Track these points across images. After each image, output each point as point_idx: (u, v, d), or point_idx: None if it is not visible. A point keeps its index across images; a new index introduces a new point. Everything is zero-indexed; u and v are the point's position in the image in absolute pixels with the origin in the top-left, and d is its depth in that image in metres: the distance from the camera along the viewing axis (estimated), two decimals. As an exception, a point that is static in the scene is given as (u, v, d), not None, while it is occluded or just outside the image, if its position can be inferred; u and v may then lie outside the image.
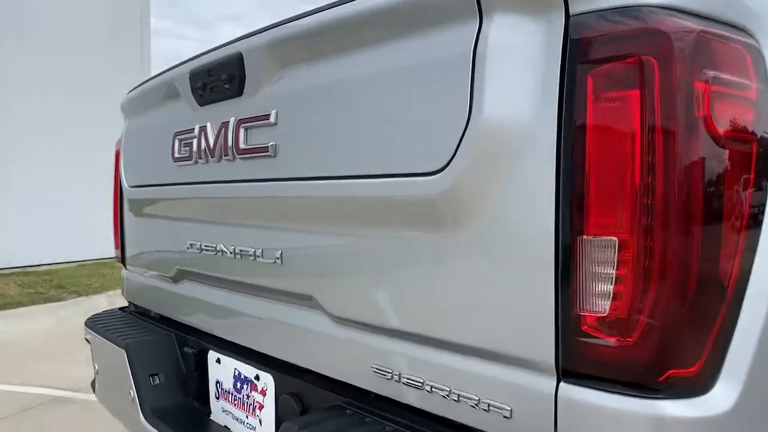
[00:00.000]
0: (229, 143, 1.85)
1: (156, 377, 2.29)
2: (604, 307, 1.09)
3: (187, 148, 2.09)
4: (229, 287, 2.04)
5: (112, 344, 2.38)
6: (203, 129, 1.99)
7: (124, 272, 2.92)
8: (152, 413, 2.20)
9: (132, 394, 2.26)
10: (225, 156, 1.88)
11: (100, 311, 2.92)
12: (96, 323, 2.66)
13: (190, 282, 2.29)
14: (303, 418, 1.53)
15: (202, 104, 2.03)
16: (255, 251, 1.84)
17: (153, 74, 2.51)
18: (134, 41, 13.57)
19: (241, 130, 1.81)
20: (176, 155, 2.16)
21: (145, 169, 2.48)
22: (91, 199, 11.37)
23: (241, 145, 1.81)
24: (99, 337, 2.51)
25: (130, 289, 2.85)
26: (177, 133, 2.16)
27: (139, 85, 2.58)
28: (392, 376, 1.44)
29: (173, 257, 2.34)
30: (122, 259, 2.90)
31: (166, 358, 2.34)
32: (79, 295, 9.46)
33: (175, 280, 2.37)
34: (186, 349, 2.27)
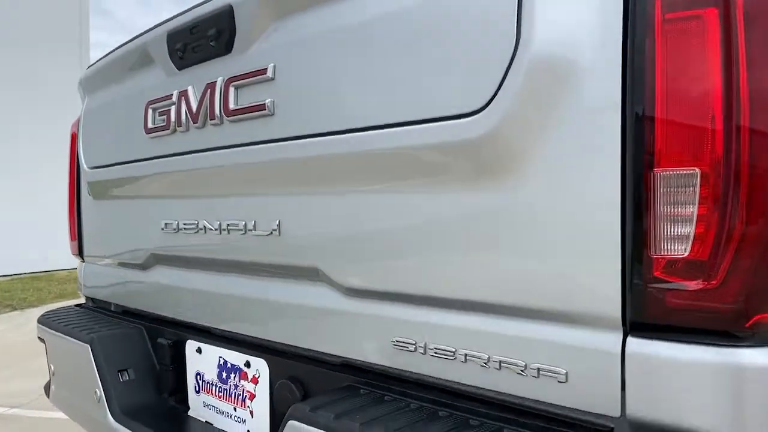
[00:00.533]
0: (216, 106, 1.68)
1: (125, 373, 2.08)
2: (682, 248, 0.97)
3: (163, 117, 1.90)
4: (212, 268, 1.86)
5: (73, 340, 2.15)
6: (183, 94, 1.81)
7: (81, 266, 2.68)
8: (122, 412, 1.99)
9: (98, 393, 2.03)
10: (211, 120, 1.71)
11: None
12: (52, 320, 2.42)
13: (164, 267, 2.09)
14: (314, 399, 1.37)
15: (181, 68, 1.86)
16: (246, 224, 1.67)
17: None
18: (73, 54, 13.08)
19: (231, 90, 1.65)
20: (150, 126, 1.97)
21: (109, 148, 2.27)
22: (21, 211, 10.87)
23: (231, 106, 1.64)
24: (57, 333, 2.27)
25: (88, 283, 2.61)
26: (150, 103, 1.97)
27: (102, 58, 2.37)
28: (417, 348, 1.30)
29: (143, 242, 2.14)
30: (79, 252, 2.66)
31: (136, 352, 2.13)
32: (14, 309, 8.93)
33: (145, 267, 2.16)
34: (160, 341, 2.06)
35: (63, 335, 2.22)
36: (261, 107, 1.55)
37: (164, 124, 1.90)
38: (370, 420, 1.23)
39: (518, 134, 1.10)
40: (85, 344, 2.09)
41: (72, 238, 2.70)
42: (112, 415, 1.99)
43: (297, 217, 1.54)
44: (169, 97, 1.87)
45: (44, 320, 2.44)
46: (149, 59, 2.01)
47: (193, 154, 1.81)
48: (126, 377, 2.07)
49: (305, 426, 1.27)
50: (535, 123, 1.08)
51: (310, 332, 1.54)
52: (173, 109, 1.86)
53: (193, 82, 1.80)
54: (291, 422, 1.32)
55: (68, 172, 2.72)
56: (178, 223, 1.93)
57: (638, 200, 0.99)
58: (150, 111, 1.97)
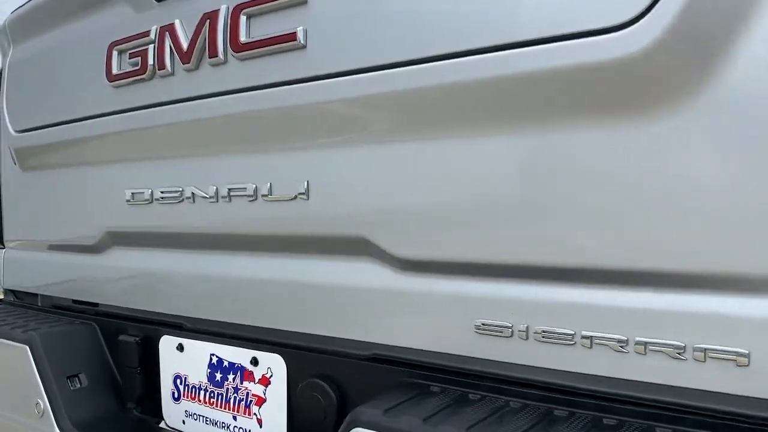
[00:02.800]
0: (219, 41, 1.35)
1: (76, 379, 1.68)
2: None
3: (136, 59, 1.53)
4: (201, 247, 1.51)
5: (4, 340, 1.73)
6: (167, 30, 1.46)
7: (1, 253, 2.21)
8: (74, 426, 1.60)
9: (41, 404, 1.63)
10: (211, 59, 1.37)
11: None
12: (-33, 317, 1.96)
13: (126, 249, 1.71)
14: (378, 401, 1.07)
15: (161, -1, 1.50)
16: (258, 188, 1.35)
17: None
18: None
19: (242, 20, 1.32)
20: (114, 73, 1.59)
21: (48, 105, 1.85)
22: None
23: (242, 39, 1.31)
24: (-20, 332, 1.82)
25: (12, 274, 2.15)
26: (115, 44, 1.60)
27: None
28: (514, 333, 1.04)
29: (96, 219, 1.75)
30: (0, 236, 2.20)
31: (89, 353, 1.74)
32: None
33: (99, 249, 1.77)
34: (123, 338, 1.67)
35: (-11, 335, 1.78)
36: (288, 38, 1.24)
37: (137, 68, 1.53)
38: (473, 424, 0.96)
39: (685, 54, 0.86)
40: (22, 345, 1.67)
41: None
42: (61, 431, 1.60)
43: (334, 176, 1.24)
44: (145, 34, 1.51)
45: (-43, 318, 1.98)
46: (112, -8, 1.63)
47: (180, 104, 1.46)
48: (77, 384, 1.67)
49: (382, 436, 0.98)
50: (710, 35, 0.85)
51: (348, 319, 1.24)
52: (151, 49, 1.50)
53: (180, 14, 1.45)
54: (357, 430, 1.02)
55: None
56: (151, 193, 1.57)
57: None
58: (115, 54, 1.60)
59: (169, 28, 1.45)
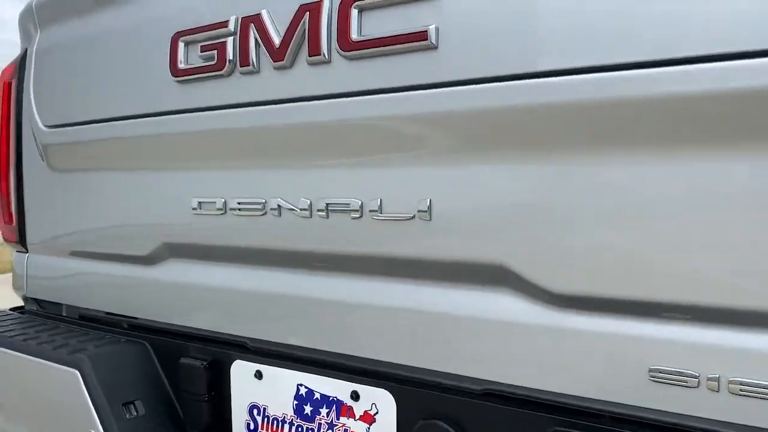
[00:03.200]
0: (323, 37, 1.19)
1: (132, 407, 1.52)
2: None
3: (211, 53, 1.36)
4: (287, 264, 1.35)
5: (50, 363, 1.55)
6: (252, 21, 1.29)
7: (22, 257, 2.02)
8: (134, 462, 1.44)
9: (95, 435, 1.47)
10: (311, 57, 1.21)
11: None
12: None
13: (188, 262, 1.54)
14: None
15: (241, -15, 1.33)
16: (364, 204, 1.20)
17: None
18: None
19: (353, 14, 1.16)
20: (182, 67, 1.42)
21: (90, 99, 1.67)
22: None
23: (353, 37, 1.15)
24: (16, 353, 1.64)
25: (37, 281, 1.96)
26: (182, 34, 1.42)
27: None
28: (702, 383, 0.91)
29: (151, 226, 1.58)
30: (19, 238, 2.00)
31: (143, 377, 1.57)
32: None
33: (152, 260, 1.60)
34: (186, 361, 1.51)
35: (28, 356, 1.60)
36: (416, 37, 1.08)
37: (213, 63, 1.36)
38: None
39: None
40: (72, 369, 1.50)
41: (6, 220, 2.03)
42: (119, 467, 1.44)
43: (467, 194, 1.09)
44: (222, 25, 1.34)
45: (-17, 333, 1.79)
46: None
47: (268, 106, 1.30)
48: (133, 412, 1.51)
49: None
50: None
51: (479, 356, 1.11)
52: (231, 42, 1.32)
53: (267, 4, 1.28)
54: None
55: (0, 136, 2.04)
56: (224, 202, 1.40)
57: None
58: (182, 46, 1.42)
59: (255, 20, 1.29)
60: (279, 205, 1.32)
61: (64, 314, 1.95)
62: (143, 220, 1.59)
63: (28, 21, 1.90)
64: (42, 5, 1.83)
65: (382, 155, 1.18)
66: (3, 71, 2.08)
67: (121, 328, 1.70)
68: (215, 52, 1.35)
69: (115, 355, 1.55)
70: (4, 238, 2.10)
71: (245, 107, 1.33)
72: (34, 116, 1.84)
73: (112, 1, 1.60)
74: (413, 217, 1.14)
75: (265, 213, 1.34)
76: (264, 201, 1.34)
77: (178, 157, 1.48)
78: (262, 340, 1.39)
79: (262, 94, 1.30)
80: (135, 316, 1.65)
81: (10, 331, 1.77)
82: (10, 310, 2.08)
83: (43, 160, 1.85)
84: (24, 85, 1.92)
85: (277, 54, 1.25)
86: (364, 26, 1.15)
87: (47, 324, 1.83)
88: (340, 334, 1.27)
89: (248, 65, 1.30)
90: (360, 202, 1.20)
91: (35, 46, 1.87)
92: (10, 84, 2.01)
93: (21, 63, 1.96)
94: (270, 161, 1.33)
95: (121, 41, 1.57)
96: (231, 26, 1.32)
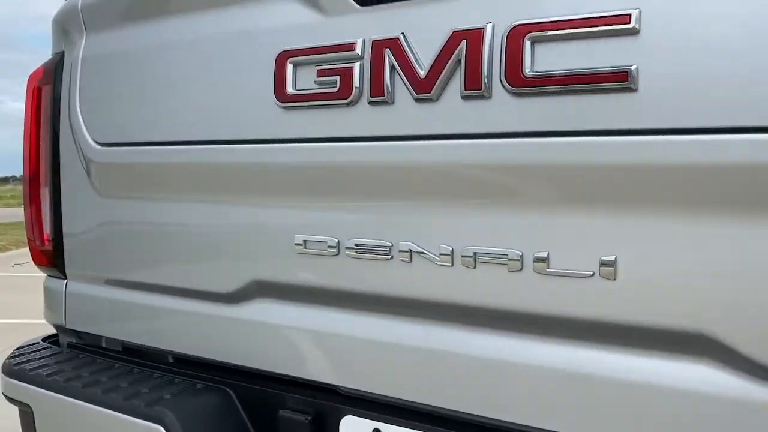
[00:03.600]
0: (484, 68, 1.06)
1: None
2: None
3: (331, 78, 1.21)
4: (416, 314, 1.22)
5: (125, 417, 1.39)
6: (388, 45, 1.15)
7: (55, 284, 1.83)
8: None
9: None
10: (468, 91, 1.08)
11: (21, 346, 1.80)
12: (45, 372, 1.59)
13: (284, 303, 1.39)
14: None
15: (368, 3, 1.19)
16: (525, 256, 1.08)
17: None
18: None
19: (525, 45, 1.03)
20: (290, 92, 1.27)
21: (164, 117, 1.49)
22: None
23: (526, 72, 1.03)
24: (79, 402, 1.46)
25: (79, 312, 1.78)
26: (290, 54, 1.26)
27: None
28: None
29: (238, 263, 1.42)
30: (55, 263, 1.81)
31: (231, 430, 1.42)
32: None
33: (236, 299, 1.44)
34: (286, 414, 1.37)
35: (95, 407, 1.43)
36: (612, 77, 0.97)
37: (334, 90, 1.21)
38: None
39: None
40: (155, 426, 1.35)
41: (41, 239, 1.84)
42: None
43: (664, 252, 0.98)
44: (347, 48, 1.19)
45: (28, 374, 1.60)
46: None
47: (405, 141, 1.16)
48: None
49: None
50: None
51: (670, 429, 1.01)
52: (358, 68, 1.18)
53: (406, 26, 1.14)
54: None
55: (28, 145, 1.84)
56: (338, 243, 1.26)
57: None
58: (290, 68, 1.26)
59: (391, 44, 1.15)
60: (410, 250, 1.18)
61: (103, 345, 1.78)
62: (229, 255, 1.43)
63: (70, 22, 1.71)
64: (91, 6, 1.64)
65: (553, 203, 1.06)
66: (31, 76, 1.87)
67: (192, 369, 1.54)
68: (337, 77, 1.20)
69: (199, 407, 1.40)
70: (34, 261, 1.90)
71: (373, 141, 1.19)
72: (82, 131, 1.65)
73: (196, 7, 1.43)
74: (593, 275, 1.03)
75: (392, 257, 1.21)
76: (390, 244, 1.21)
77: (280, 190, 1.33)
78: (372, 393, 1.26)
79: (397, 128, 1.16)
80: (212, 357, 1.50)
81: (60, 372, 1.59)
82: (43, 340, 1.89)
83: (90, 180, 1.66)
84: (63, 93, 1.73)
85: (421, 84, 1.12)
86: (537, 60, 1.03)
87: (99, 363, 1.66)
88: (481, 394, 1.15)
89: (381, 95, 1.16)
90: (520, 254, 1.08)
91: (81, 50, 1.67)
92: (40, 90, 1.82)
93: (56, 67, 1.77)
94: (401, 201, 1.20)
95: (209, 54, 1.40)
96: (359, 49, 1.18)
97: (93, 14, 1.64)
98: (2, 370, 1.68)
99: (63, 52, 1.76)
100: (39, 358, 1.70)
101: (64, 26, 1.73)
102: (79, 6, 1.66)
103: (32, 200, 1.85)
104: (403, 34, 1.14)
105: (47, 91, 1.79)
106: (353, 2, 1.20)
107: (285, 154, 1.29)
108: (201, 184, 1.44)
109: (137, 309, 1.64)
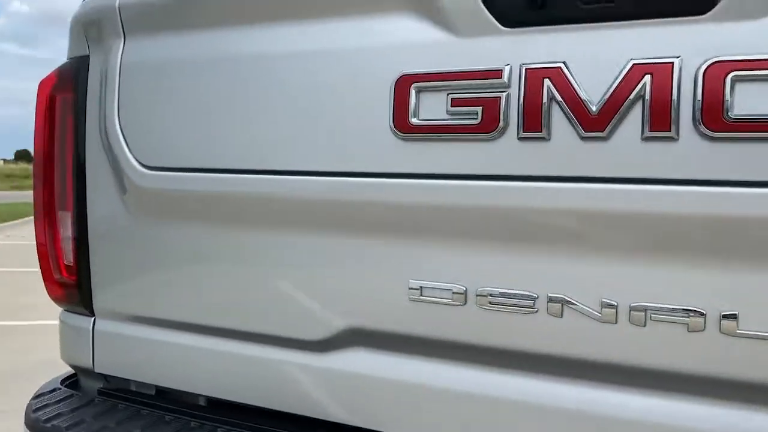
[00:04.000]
0: (673, 107, 0.94)
1: None
2: None
3: (471, 109, 1.07)
4: (565, 373, 1.10)
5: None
6: (547, 75, 1.02)
7: (79, 322, 1.61)
8: None
9: None
10: (656, 131, 0.96)
11: (43, 396, 1.57)
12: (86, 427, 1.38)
13: (386, 354, 1.24)
14: None
15: (527, 23, 1.05)
16: (708, 316, 0.97)
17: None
18: None
19: (726, 84, 0.92)
20: (414, 122, 1.11)
21: (240, 141, 1.30)
22: None
23: (730, 113, 0.92)
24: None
25: (112, 355, 1.56)
26: (415, 79, 1.11)
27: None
28: None
29: (332, 307, 1.26)
30: (77, 296, 1.58)
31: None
32: None
33: (327, 347, 1.28)
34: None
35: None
36: (838, 125, 0.87)
37: (474, 122, 1.06)
38: None
39: None
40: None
41: (60, 273, 1.61)
42: None
43: None
44: (494, 74, 1.05)
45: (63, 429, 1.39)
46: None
47: (563, 183, 1.03)
48: None
49: None
50: None
51: None
52: (505, 98, 1.04)
53: (567, 53, 1.01)
54: None
55: (41, 161, 1.61)
56: (465, 291, 1.12)
57: None
58: (414, 94, 1.11)
59: (552, 74, 1.01)
60: (563, 303, 1.06)
61: (133, 388, 1.58)
62: (319, 298, 1.27)
63: (102, 23, 1.48)
64: (135, 6, 1.42)
65: (755, 258, 0.95)
66: (43, 82, 1.63)
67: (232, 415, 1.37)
68: (479, 108, 1.06)
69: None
70: (50, 294, 1.67)
71: (522, 181, 1.05)
72: (123, 150, 1.43)
73: (285, 17, 1.24)
74: (793, 337, 0.93)
75: (536, 310, 1.08)
76: (535, 296, 1.08)
77: (393, 228, 1.17)
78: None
79: (555, 168, 1.03)
80: (294, 412, 1.33)
81: (104, 431, 1.38)
82: (62, 383, 1.66)
83: (131, 206, 1.45)
84: (90, 104, 1.50)
85: (591, 121, 0.99)
86: (737, 101, 0.92)
87: (145, 415, 1.46)
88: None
89: (537, 130, 1.02)
90: (704, 312, 0.97)
91: (120, 56, 1.45)
92: (54, 98, 1.58)
93: (77, 74, 1.54)
94: (553, 248, 1.06)
95: (302, 72, 1.22)
96: (506, 77, 1.04)
97: (138, 15, 1.42)
98: (29, 425, 1.45)
99: (88, 56, 1.53)
100: (70, 410, 1.48)
101: (91, 27, 1.50)
102: (117, 4, 1.44)
103: (46, 224, 1.62)
104: (564, 62, 1.01)
105: (65, 100, 1.56)
106: (496, 23, 1.06)
107: (404, 190, 1.13)
108: (287, 218, 1.27)
109: (191, 353, 1.45)
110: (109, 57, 1.47)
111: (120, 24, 1.45)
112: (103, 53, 1.49)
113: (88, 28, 1.52)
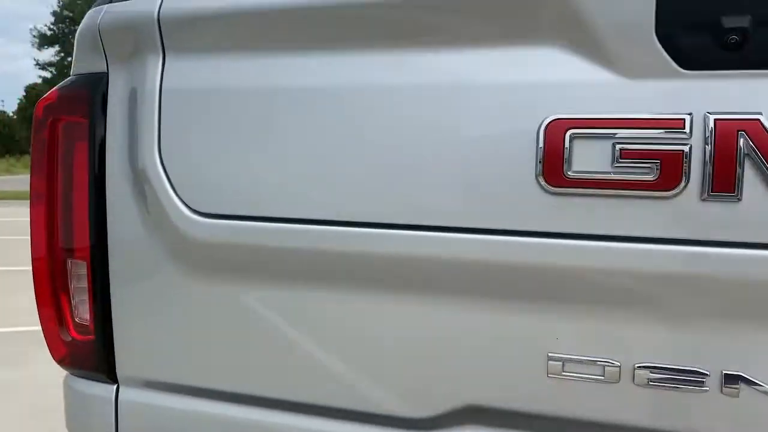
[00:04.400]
0: None
1: None
2: None
3: (644, 162, 0.92)
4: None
5: None
6: (741, 127, 0.89)
7: (96, 389, 1.35)
8: None
9: None
10: None
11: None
12: None
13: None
14: None
15: (698, 66, 0.91)
16: None
17: None
18: None
19: None
20: (570, 174, 0.95)
21: (328, 185, 1.10)
22: None
23: None
24: None
25: (141, 428, 1.32)
26: (571, 124, 0.95)
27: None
28: None
29: (440, 380, 1.09)
30: (94, 359, 1.34)
31: None
32: None
33: (434, 425, 1.11)
34: None
35: None
36: None
37: (650, 178, 0.92)
38: None
39: None
40: None
41: (68, 332, 1.35)
42: None
43: None
44: (674, 124, 0.91)
45: None
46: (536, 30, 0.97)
47: (755, 250, 0.91)
48: None
49: None
50: None
51: None
52: (687, 150, 0.90)
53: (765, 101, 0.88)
54: None
55: (43, 200, 1.35)
56: (619, 368, 0.99)
57: None
58: (568, 141, 0.95)
59: (748, 126, 0.88)
60: (740, 381, 0.94)
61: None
62: (430, 370, 1.09)
63: (135, 36, 1.22)
64: (184, 19, 1.18)
65: None
66: (41, 104, 1.35)
67: None
68: (657, 162, 0.91)
69: None
70: (54, 356, 1.40)
71: (705, 246, 0.92)
72: (167, 193, 1.19)
73: (384, 46, 1.04)
74: None
75: (707, 390, 0.96)
76: (707, 373, 0.95)
77: (533, 294, 1.01)
78: None
79: (748, 233, 0.90)
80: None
81: None
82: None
83: (176, 260, 1.22)
84: (114, 134, 1.25)
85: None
86: None
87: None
88: None
89: (728, 190, 0.89)
90: None
91: (158, 78, 1.20)
92: (56, 124, 1.32)
93: (92, 95, 1.28)
94: (735, 324, 0.94)
95: (409, 107, 1.04)
96: (688, 127, 0.90)
97: (188, 30, 1.18)
98: None
99: (106, 73, 1.27)
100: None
101: (114, 38, 1.25)
102: (157, 14, 1.19)
103: (49, 273, 1.35)
104: (761, 113, 0.88)
105: (75, 127, 1.30)
106: (675, 64, 0.91)
107: (557, 251, 0.97)
108: (389, 278, 1.08)
109: (249, 429, 1.23)
110: (141, 77, 1.22)
111: (159, 38, 1.20)
112: (130, 72, 1.24)
113: (109, 40, 1.26)
